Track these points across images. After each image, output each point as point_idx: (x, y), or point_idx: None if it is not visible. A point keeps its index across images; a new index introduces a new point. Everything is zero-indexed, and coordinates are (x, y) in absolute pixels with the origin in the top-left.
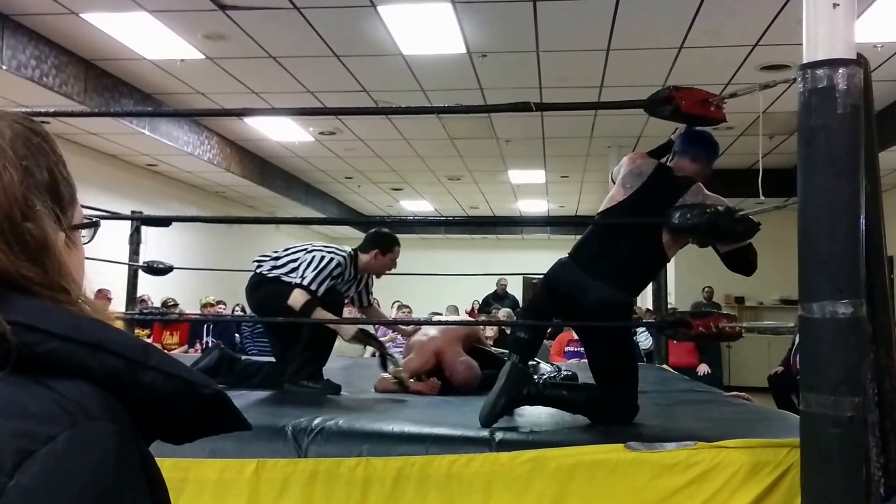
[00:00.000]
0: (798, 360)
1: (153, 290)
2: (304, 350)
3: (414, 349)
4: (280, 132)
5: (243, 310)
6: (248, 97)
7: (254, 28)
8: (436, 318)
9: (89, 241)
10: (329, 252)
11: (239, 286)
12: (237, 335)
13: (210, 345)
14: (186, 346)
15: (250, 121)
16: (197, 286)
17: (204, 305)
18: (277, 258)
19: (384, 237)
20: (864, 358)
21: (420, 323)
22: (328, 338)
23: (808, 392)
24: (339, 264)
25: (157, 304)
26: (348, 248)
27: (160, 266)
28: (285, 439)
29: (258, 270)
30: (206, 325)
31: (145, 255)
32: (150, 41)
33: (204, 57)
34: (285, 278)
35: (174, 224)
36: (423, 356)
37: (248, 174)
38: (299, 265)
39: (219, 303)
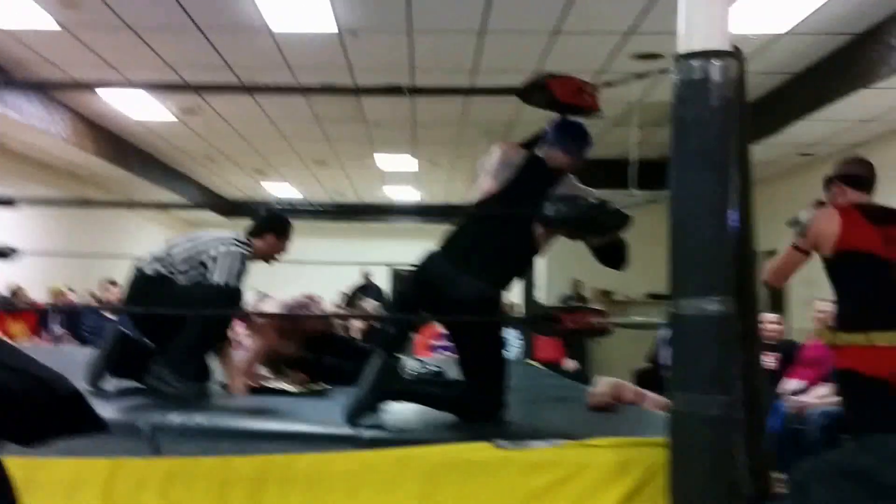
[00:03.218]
0: (665, 355)
1: None
2: (183, 345)
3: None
4: (137, 108)
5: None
6: (102, 69)
7: None
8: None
9: None
10: (232, 245)
11: (92, 272)
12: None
13: (57, 333)
14: (33, 335)
15: (105, 95)
16: (44, 272)
17: (56, 294)
18: (167, 255)
19: (280, 219)
20: (733, 356)
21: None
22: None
23: (677, 390)
24: (245, 260)
25: None
26: (237, 235)
27: (5, 250)
28: (142, 438)
29: (147, 272)
30: (53, 313)
31: None
32: None
33: (57, 25)
34: (183, 279)
35: (19, 204)
36: (266, 335)
37: (101, 152)
38: (207, 263)
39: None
